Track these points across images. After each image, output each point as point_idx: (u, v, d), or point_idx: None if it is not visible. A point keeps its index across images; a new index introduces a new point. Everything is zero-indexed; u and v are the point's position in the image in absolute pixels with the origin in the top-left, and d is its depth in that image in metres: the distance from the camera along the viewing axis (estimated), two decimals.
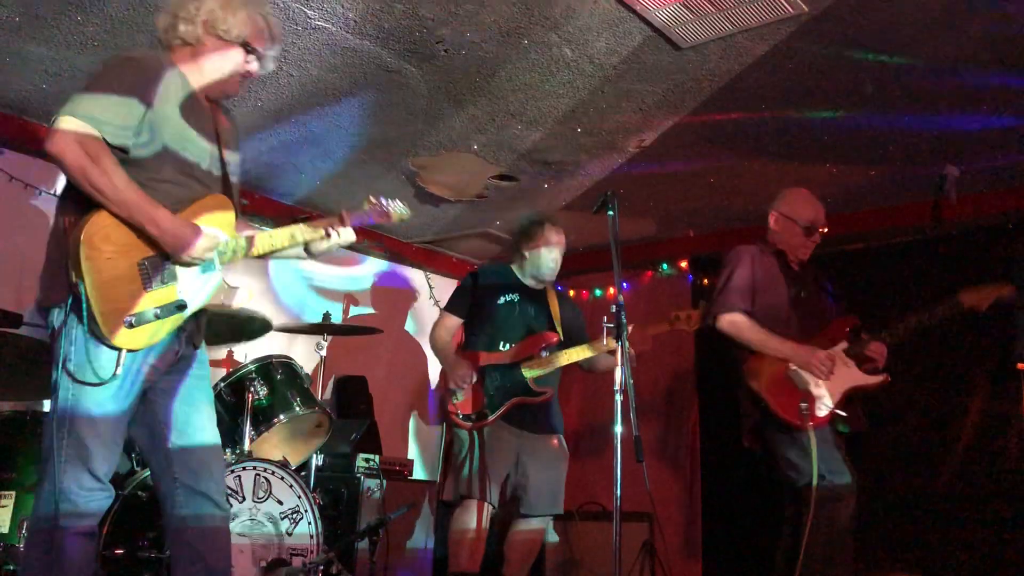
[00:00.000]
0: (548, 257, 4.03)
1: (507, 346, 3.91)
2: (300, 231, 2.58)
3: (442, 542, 4.54)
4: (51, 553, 2.15)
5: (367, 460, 4.46)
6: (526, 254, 4.06)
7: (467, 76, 3.82)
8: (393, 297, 6.02)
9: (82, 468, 2.20)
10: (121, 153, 2.25)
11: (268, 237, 2.54)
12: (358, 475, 4.39)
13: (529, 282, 4.11)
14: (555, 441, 3.98)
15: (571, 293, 6.12)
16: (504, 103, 4.06)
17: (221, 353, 4.51)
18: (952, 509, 4.69)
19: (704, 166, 4.72)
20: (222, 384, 3.66)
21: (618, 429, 2.71)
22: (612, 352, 3.60)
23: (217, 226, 2.40)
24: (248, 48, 2.47)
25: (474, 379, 3.82)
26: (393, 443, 5.67)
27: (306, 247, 2.65)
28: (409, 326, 6.13)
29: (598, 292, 6.24)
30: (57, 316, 2.24)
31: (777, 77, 3.78)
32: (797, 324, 3.53)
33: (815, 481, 3.23)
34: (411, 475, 4.85)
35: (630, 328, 3.58)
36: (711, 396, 5.62)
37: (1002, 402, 4.65)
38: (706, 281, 5.73)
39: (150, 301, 2.26)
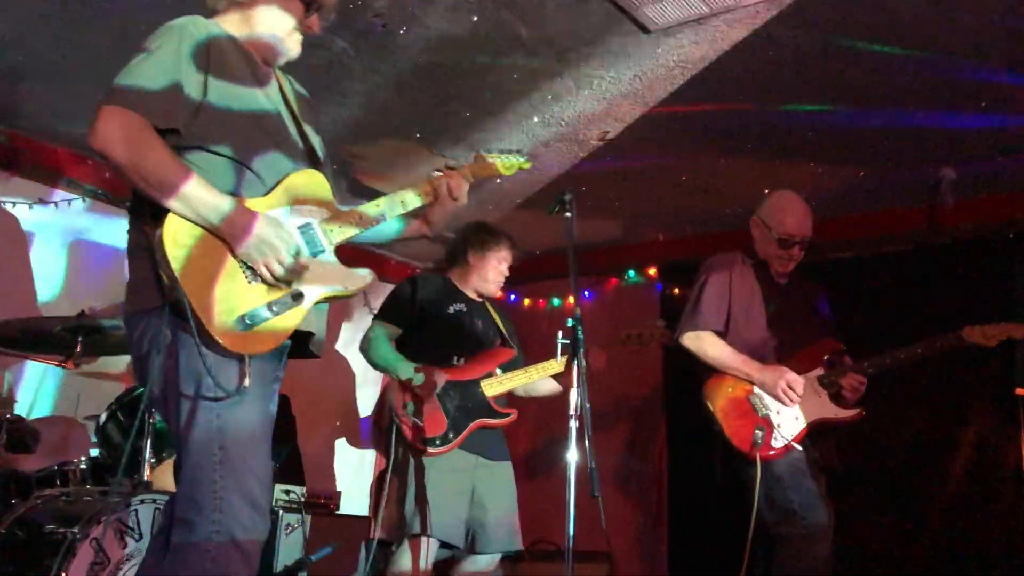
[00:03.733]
0: (497, 272, 4.06)
1: (461, 361, 3.91)
2: (411, 195, 2.55)
3: None
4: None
5: (287, 492, 4.39)
6: (472, 263, 4.06)
7: (408, 55, 3.80)
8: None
9: (242, 501, 2.12)
10: (174, 136, 2.17)
11: (375, 207, 2.49)
12: (276, 509, 4.32)
13: (470, 293, 4.12)
14: (509, 469, 4.01)
15: (526, 303, 6.15)
16: (450, 87, 4.05)
17: (120, 366, 4.42)
18: (941, 552, 4.78)
19: (675, 163, 4.77)
20: (115, 405, 3.58)
21: (572, 458, 2.73)
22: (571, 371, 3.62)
23: (308, 204, 2.34)
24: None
25: (438, 389, 3.78)
26: (319, 472, 5.62)
27: (426, 217, 2.66)
28: (342, 339, 6.08)
29: (556, 302, 6.25)
30: (153, 328, 2.15)
31: (756, 66, 3.82)
32: (776, 347, 3.59)
33: (752, 520, 3.31)
34: (339, 509, 4.80)
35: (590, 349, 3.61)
36: (681, 419, 5.63)
37: (999, 433, 4.76)
38: (677, 291, 5.79)
39: (260, 296, 2.19)
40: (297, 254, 2.24)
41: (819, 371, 3.56)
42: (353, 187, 5.09)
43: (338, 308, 6.07)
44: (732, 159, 4.68)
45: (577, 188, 4.86)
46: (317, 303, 2.32)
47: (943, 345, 3.51)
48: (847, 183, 4.86)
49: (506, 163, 2.81)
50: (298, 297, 2.25)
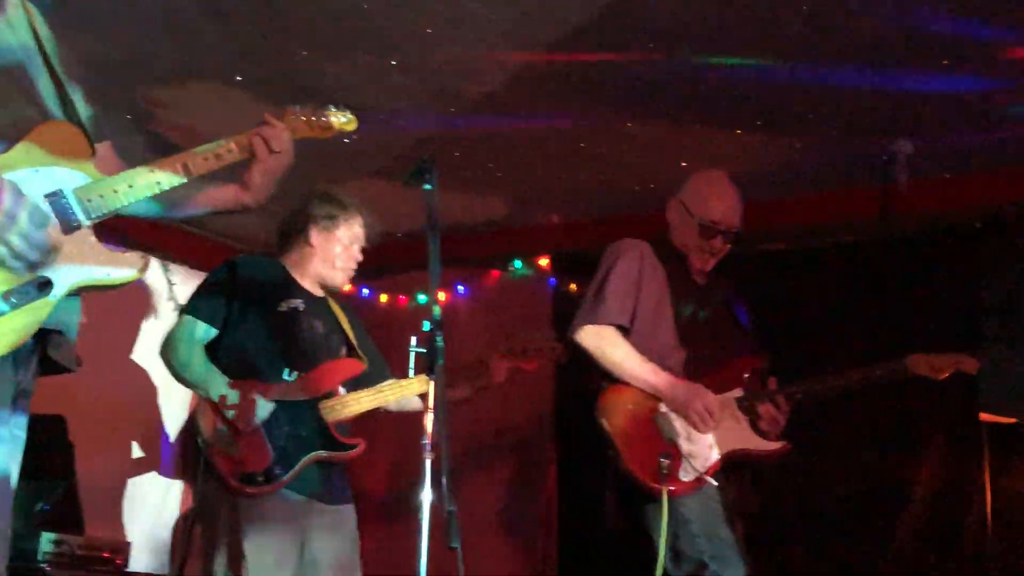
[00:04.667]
0: (348, 255, 4.09)
1: (294, 375, 3.90)
2: (206, 154, 2.57)
3: None
4: None
5: (56, 543, 4.34)
6: (313, 244, 4.07)
7: None
8: (110, 299, 5.86)
9: None
10: None
11: (148, 172, 2.47)
12: (42, 566, 4.27)
13: (309, 285, 4.12)
14: (351, 516, 4.04)
15: (382, 299, 6.17)
16: (283, 19, 4.05)
17: None
18: None
19: (572, 126, 4.84)
20: None
21: (426, 499, 2.79)
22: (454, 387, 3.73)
23: (61, 165, 2.33)
24: None
25: (262, 412, 3.78)
26: (103, 516, 5.54)
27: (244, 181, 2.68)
28: (141, 342, 6.00)
29: (423, 298, 6.26)
30: None
31: (673, 6, 3.89)
32: (687, 359, 3.72)
33: (659, 570, 3.41)
34: (127, 566, 4.74)
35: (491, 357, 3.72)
36: (576, 452, 5.72)
37: (961, 465, 5.01)
38: (574, 287, 5.89)
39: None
40: (44, 229, 2.21)
41: (738, 392, 3.69)
42: (154, 143, 5.02)
43: (133, 301, 5.98)
44: (643, 124, 4.78)
45: (449, 155, 5.00)
46: (69, 294, 2.30)
47: (884, 375, 3.68)
48: (781, 157, 4.99)
49: (320, 122, 2.84)
50: (45, 286, 2.24)
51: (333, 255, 4.04)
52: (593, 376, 3.71)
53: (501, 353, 4.15)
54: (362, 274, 4.26)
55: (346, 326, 4.14)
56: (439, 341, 2.87)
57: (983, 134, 4.76)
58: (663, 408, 3.61)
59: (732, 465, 3.64)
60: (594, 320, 3.69)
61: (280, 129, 2.70)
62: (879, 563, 5.08)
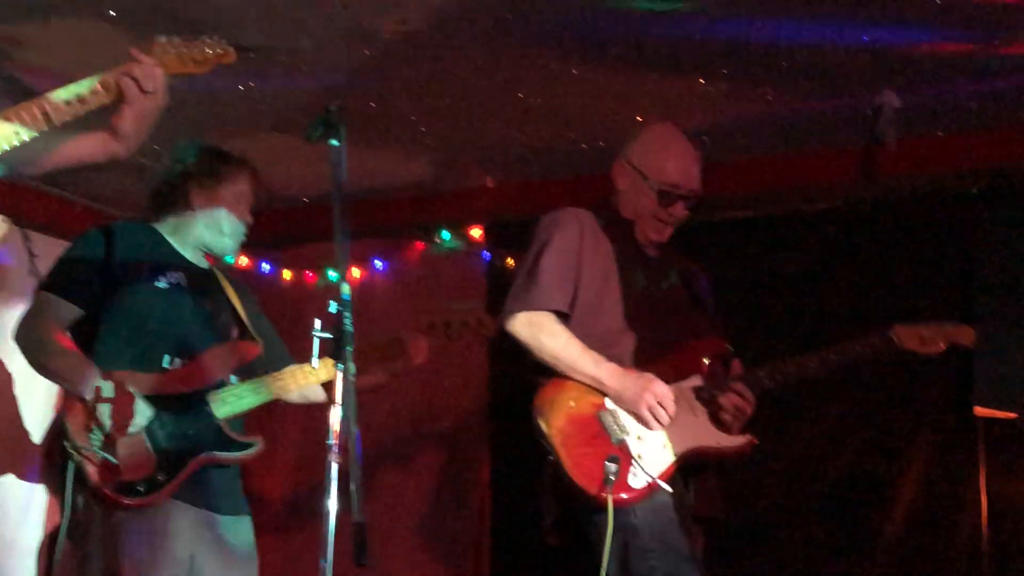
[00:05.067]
0: (238, 215, 4.06)
1: (176, 363, 3.88)
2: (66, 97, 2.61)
3: None
4: None
5: None
6: (196, 206, 4.03)
7: None
8: None
9: None
10: None
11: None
12: None
13: (191, 256, 4.07)
14: (248, 528, 4.03)
15: (286, 276, 6.11)
16: None
17: None
18: None
19: (508, 72, 4.76)
20: None
21: (332, 508, 2.76)
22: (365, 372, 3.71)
23: None
24: None
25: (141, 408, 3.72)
26: None
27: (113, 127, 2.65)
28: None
29: (334, 275, 6.21)
30: None
31: None
32: (638, 345, 3.68)
33: None
34: None
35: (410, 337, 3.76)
36: (513, 451, 5.39)
37: (953, 462, 5.02)
38: (511, 261, 5.84)
39: None
40: None
41: (696, 381, 3.66)
42: (10, 87, 4.87)
43: None
44: (590, 69, 4.71)
45: (362, 105, 4.93)
46: None
47: (867, 350, 3.68)
48: (751, 112, 4.97)
49: (193, 54, 2.84)
50: None
51: (219, 218, 4.01)
52: (529, 370, 3.67)
53: (420, 329, 4.13)
54: (263, 246, 4.19)
55: (237, 303, 4.12)
56: (348, 325, 2.89)
57: (981, 87, 4.74)
58: (609, 404, 3.57)
59: (691, 466, 3.61)
60: (527, 306, 3.65)
61: (150, 65, 2.71)
62: (861, 573, 5.09)
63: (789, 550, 5.19)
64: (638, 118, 4.84)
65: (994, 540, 4.88)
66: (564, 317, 3.65)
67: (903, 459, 5.12)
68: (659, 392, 3.52)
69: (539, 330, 3.62)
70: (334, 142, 3.02)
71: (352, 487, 2.71)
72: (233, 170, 4.05)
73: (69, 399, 3.72)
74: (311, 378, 4.00)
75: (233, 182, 4.04)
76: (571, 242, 3.71)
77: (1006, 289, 4.84)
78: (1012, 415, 4.75)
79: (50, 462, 3.76)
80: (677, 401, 3.56)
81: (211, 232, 4.02)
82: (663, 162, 3.79)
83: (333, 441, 2.81)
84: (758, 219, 5.54)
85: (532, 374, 3.65)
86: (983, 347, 4.53)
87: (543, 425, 3.55)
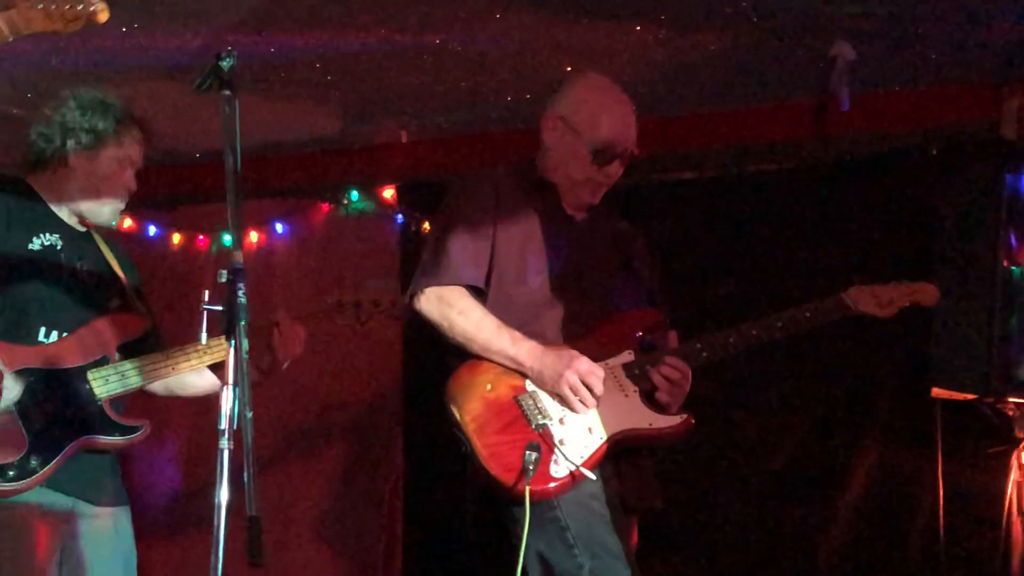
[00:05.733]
0: (120, 179, 3.97)
1: (53, 335, 3.83)
2: None
3: None
4: None
5: None
6: (73, 164, 3.94)
7: None
8: None
9: None
10: None
11: None
12: None
13: (67, 217, 4.00)
14: (126, 520, 3.99)
15: (175, 240, 6.07)
16: None
17: None
18: None
19: (426, 16, 4.73)
20: None
21: (223, 500, 2.75)
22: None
23: None
24: None
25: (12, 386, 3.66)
26: None
27: None
28: None
29: (228, 240, 6.13)
30: None
31: None
32: (564, 318, 3.68)
33: None
34: None
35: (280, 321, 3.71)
36: (429, 439, 5.62)
37: (909, 447, 5.10)
38: (428, 225, 5.82)
39: None
40: None
41: (626, 356, 3.65)
42: None
43: None
44: (515, 12, 4.69)
45: (261, 51, 4.85)
46: None
47: (817, 316, 3.67)
48: (693, 61, 4.97)
49: (63, 10, 2.73)
50: None
51: (97, 183, 3.94)
52: (445, 351, 3.66)
53: (328, 308, 4.09)
54: (150, 207, 4.11)
55: (118, 270, 4.06)
56: (241, 297, 2.87)
57: (942, 39, 4.76)
58: (529, 386, 3.57)
59: (622, 451, 3.61)
60: (436, 281, 3.66)
61: None
62: (812, 562, 5.17)
63: (731, 541, 5.27)
64: (567, 68, 4.83)
65: (950, 528, 4.96)
66: (478, 292, 3.65)
67: (856, 442, 5.20)
68: (583, 370, 3.51)
69: (449, 307, 3.62)
70: (226, 92, 2.97)
71: (246, 477, 2.69)
72: (119, 129, 3.94)
73: None
74: (198, 359, 3.93)
75: (118, 143, 3.93)
76: (485, 208, 3.70)
77: (966, 260, 4.85)
78: (971, 396, 4.79)
79: None
80: (605, 379, 3.55)
81: (87, 198, 3.94)
82: (598, 118, 3.76)
83: (224, 427, 2.78)
84: (701, 180, 5.58)
85: (447, 356, 3.64)
86: (941, 325, 4.58)
87: (456, 412, 3.55)
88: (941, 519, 4.95)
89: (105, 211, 3.96)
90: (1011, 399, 4.67)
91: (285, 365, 3.96)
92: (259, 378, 4.02)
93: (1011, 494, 4.73)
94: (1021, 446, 4.70)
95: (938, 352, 4.79)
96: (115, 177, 3.94)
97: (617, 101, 3.83)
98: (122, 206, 4.01)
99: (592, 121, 3.75)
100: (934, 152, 5.18)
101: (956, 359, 4.78)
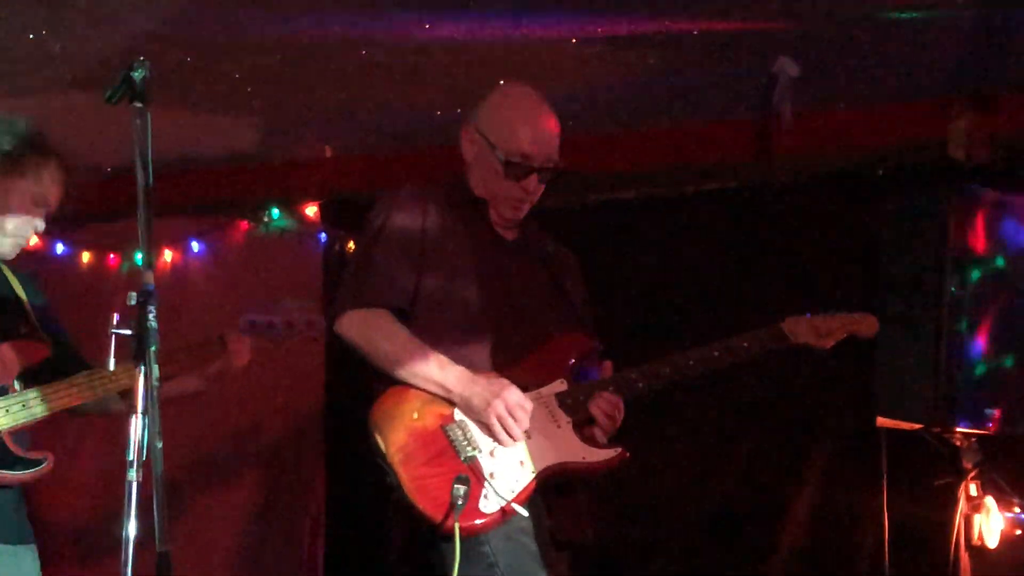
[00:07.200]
0: (28, 215, 3.85)
1: None
2: None
3: None
4: None
5: None
6: None
7: None
8: None
9: None
10: None
11: None
12: None
13: None
14: (31, 559, 3.92)
15: (85, 257, 6.07)
16: None
17: None
18: None
19: (351, 27, 4.72)
20: None
21: (131, 533, 2.68)
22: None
23: None
24: None
25: None
26: None
27: None
28: None
29: (141, 259, 6.11)
30: None
31: None
32: (494, 344, 3.66)
33: None
34: None
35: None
36: (354, 468, 5.37)
37: (854, 476, 5.10)
38: (352, 244, 5.80)
39: None
40: None
41: (560, 386, 3.63)
42: None
43: None
44: (445, 23, 4.69)
45: (175, 60, 4.81)
46: None
47: (755, 346, 3.67)
48: (630, 77, 4.98)
49: None
50: None
51: (4, 214, 3.84)
52: (368, 376, 3.63)
53: (241, 330, 4.04)
54: (58, 224, 4.07)
55: (21, 295, 3.99)
56: (151, 320, 2.84)
57: (889, 58, 4.80)
58: (457, 415, 3.53)
59: (553, 485, 3.58)
60: (358, 303, 3.63)
61: None
62: None
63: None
64: (500, 82, 4.78)
65: (897, 561, 4.90)
66: (404, 315, 3.61)
67: (799, 473, 5.22)
68: (511, 400, 3.48)
69: (373, 330, 3.60)
70: (138, 104, 2.93)
71: (156, 510, 2.64)
72: (37, 161, 3.84)
73: None
74: (109, 385, 3.83)
75: (35, 178, 3.83)
76: (411, 227, 3.67)
77: (912, 287, 4.83)
78: (916, 426, 4.78)
79: None
80: (537, 409, 3.53)
81: None
82: (512, 129, 3.73)
83: (133, 457, 2.71)
84: (638, 200, 5.58)
85: (372, 381, 3.61)
86: (886, 352, 4.57)
87: (381, 442, 3.50)
88: (887, 553, 4.91)
89: (5, 245, 3.87)
90: (958, 429, 4.68)
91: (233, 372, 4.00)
92: (203, 386, 4.04)
93: (958, 526, 4.74)
94: (968, 477, 4.71)
95: (882, 380, 4.74)
96: (26, 213, 3.84)
97: (534, 111, 3.80)
98: (24, 243, 3.92)
99: (507, 133, 3.73)
100: (880, 173, 5.22)
101: (901, 389, 4.74)
